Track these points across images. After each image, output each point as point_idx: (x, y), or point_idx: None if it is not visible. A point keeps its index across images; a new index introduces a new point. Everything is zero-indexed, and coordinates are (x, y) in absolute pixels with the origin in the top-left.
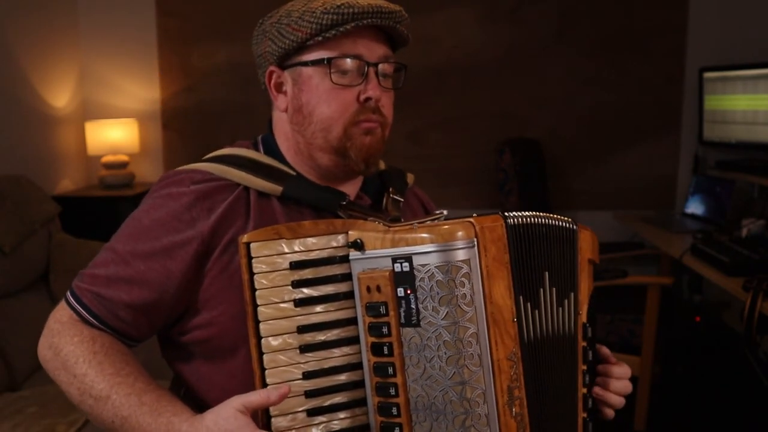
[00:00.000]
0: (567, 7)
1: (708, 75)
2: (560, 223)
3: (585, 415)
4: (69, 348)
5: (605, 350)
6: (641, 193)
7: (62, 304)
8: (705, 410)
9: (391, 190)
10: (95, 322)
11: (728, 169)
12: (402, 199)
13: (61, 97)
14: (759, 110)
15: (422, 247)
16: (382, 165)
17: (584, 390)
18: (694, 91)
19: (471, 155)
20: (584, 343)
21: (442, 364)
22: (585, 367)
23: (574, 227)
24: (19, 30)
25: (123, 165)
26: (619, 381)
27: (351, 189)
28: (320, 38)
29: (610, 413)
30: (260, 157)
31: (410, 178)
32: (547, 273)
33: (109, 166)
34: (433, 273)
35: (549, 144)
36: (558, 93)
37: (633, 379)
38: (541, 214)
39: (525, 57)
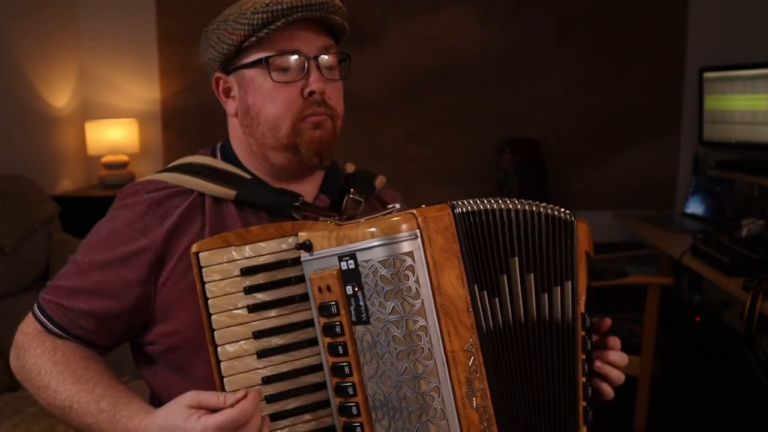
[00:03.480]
0: (567, 8)
1: (708, 75)
2: (554, 213)
3: (585, 403)
4: (32, 360)
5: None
6: (641, 193)
7: (29, 315)
8: (705, 410)
9: (352, 191)
10: (58, 331)
11: (728, 169)
12: (362, 200)
13: (61, 97)
14: (759, 110)
15: (365, 243)
16: (351, 168)
17: (583, 379)
18: (694, 91)
19: (471, 155)
20: (583, 333)
21: (394, 359)
22: (584, 357)
23: (572, 218)
24: (19, 30)
25: (123, 165)
26: (615, 352)
27: (310, 189)
28: (255, 39)
29: (608, 391)
30: (216, 162)
31: (380, 181)
32: (516, 259)
33: (109, 166)
34: (376, 268)
35: (549, 144)
36: (558, 93)
37: (633, 379)
38: (526, 201)
39: (525, 57)
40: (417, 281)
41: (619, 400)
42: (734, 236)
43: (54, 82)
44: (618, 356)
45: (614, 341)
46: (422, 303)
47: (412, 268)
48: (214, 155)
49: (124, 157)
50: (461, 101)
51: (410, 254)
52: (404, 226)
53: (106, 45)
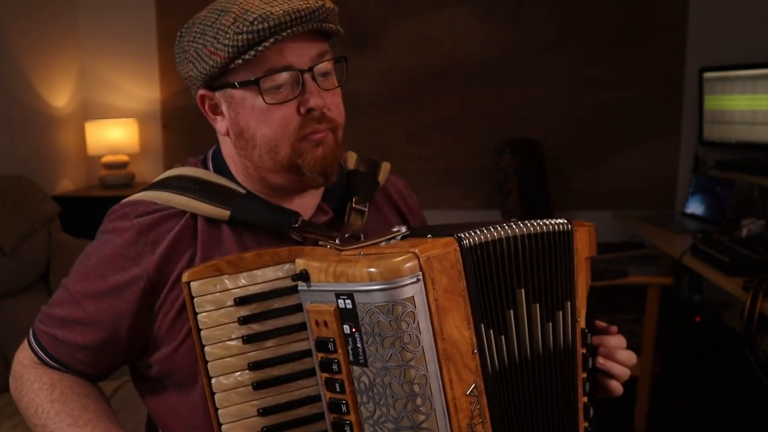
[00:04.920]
0: (567, 7)
1: (708, 75)
2: (550, 228)
3: (586, 424)
4: (29, 396)
5: (601, 324)
6: (641, 193)
7: (24, 344)
8: (705, 410)
9: (354, 200)
10: (55, 364)
11: (728, 169)
12: (365, 210)
13: (61, 97)
14: (759, 110)
15: (363, 285)
16: (352, 161)
17: (585, 399)
18: (694, 91)
19: (471, 155)
20: (584, 350)
21: (391, 407)
22: (585, 375)
23: (569, 228)
24: (19, 30)
25: (123, 165)
26: (624, 351)
27: (311, 201)
28: (241, 61)
29: (616, 387)
30: (208, 175)
31: (384, 170)
32: (522, 291)
33: (109, 166)
34: (374, 312)
35: (549, 144)
36: (558, 93)
37: (633, 379)
38: (526, 222)
39: (525, 57)
40: (417, 328)
41: (619, 400)
42: (734, 236)
43: (54, 82)
44: (626, 356)
45: (620, 340)
46: (422, 351)
47: (412, 315)
48: (204, 165)
49: (124, 157)
50: (461, 101)
51: (411, 299)
52: (405, 268)
53: (106, 45)
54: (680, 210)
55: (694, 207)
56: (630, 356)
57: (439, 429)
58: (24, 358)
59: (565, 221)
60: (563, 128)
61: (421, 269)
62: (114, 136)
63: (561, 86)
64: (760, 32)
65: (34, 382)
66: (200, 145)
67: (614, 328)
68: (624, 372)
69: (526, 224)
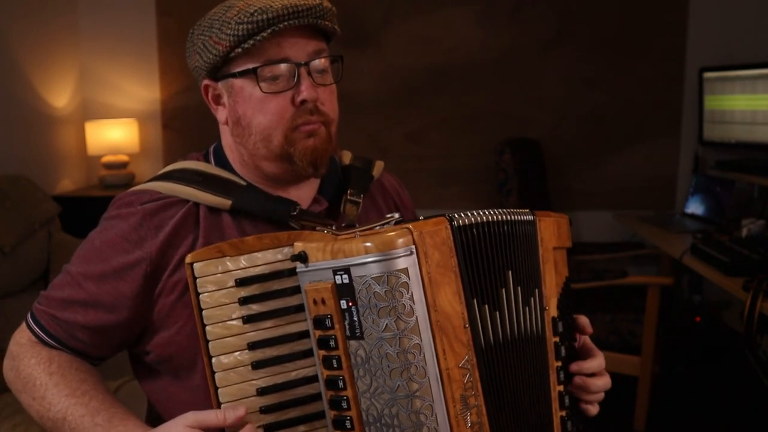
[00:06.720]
0: (567, 8)
1: (708, 75)
2: (516, 218)
3: (564, 413)
4: (27, 371)
5: (583, 320)
6: (641, 193)
7: (23, 325)
8: (705, 410)
9: (349, 192)
10: (53, 343)
11: (728, 169)
12: (360, 201)
13: (61, 97)
14: (759, 110)
15: (359, 258)
16: (347, 158)
17: (560, 388)
18: (694, 91)
19: (471, 155)
20: (556, 339)
21: (387, 377)
22: (559, 364)
23: (531, 218)
24: (19, 30)
25: (123, 165)
26: (598, 379)
27: (307, 193)
28: (240, 50)
29: (592, 410)
30: (209, 168)
31: (378, 167)
32: (510, 272)
33: (109, 166)
34: (370, 284)
35: (549, 144)
36: (558, 93)
37: (633, 379)
38: (499, 210)
39: (525, 57)
40: (411, 298)
41: (619, 400)
42: (734, 236)
43: (54, 82)
44: (602, 383)
45: (599, 362)
46: (416, 320)
47: (406, 285)
48: (207, 160)
49: (124, 157)
50: (461, 101)
51: (405, 271)
52: (399, 242)
53: (106, 45)
54: (680, 210)
55: (694, 207)
56: (605, 383)
57: (433, 397)
58: (21, 337)
59: (528, 211)
60: (563, 128)
61: (414, 243)
62: (114, 136)
63: (561, 86)
64: (760, 32)
65: (31, 358)
66: (200, 145)
67: (589, 330)
68: (596, 398)
69: (499, 212)
